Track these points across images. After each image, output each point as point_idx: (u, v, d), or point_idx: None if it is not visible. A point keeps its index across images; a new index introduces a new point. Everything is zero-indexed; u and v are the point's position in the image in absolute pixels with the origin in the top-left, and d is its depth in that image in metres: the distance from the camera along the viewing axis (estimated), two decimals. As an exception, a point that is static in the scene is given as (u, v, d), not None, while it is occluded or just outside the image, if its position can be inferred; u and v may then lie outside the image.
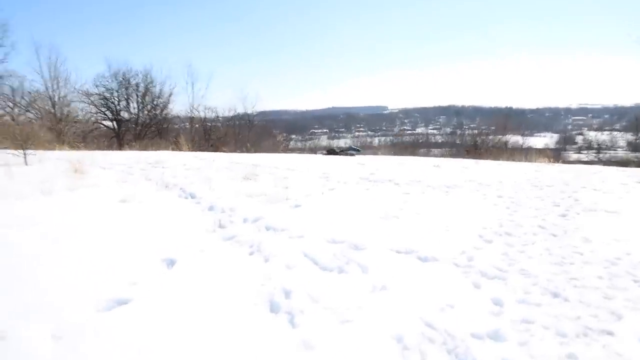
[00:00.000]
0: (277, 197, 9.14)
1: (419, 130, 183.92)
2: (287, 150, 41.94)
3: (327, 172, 13.80)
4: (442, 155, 38.62)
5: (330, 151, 28.51)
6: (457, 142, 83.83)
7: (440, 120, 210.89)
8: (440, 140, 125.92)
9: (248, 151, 29.60)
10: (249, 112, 47.62)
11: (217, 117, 45.27)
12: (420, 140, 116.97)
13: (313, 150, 47.75)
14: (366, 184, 11.57)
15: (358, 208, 8.58)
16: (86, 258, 5.49)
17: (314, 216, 7.82)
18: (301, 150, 52.78)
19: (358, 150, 28.02)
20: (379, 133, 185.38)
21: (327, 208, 8.45)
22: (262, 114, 51.56)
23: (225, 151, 29.60)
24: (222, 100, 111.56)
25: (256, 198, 9.06)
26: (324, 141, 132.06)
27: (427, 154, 46.89)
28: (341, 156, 24.48)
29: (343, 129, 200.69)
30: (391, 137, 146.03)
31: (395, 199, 9.58)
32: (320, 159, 20.65)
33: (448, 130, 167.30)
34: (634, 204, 9.35)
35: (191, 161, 16.02)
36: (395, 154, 35.52)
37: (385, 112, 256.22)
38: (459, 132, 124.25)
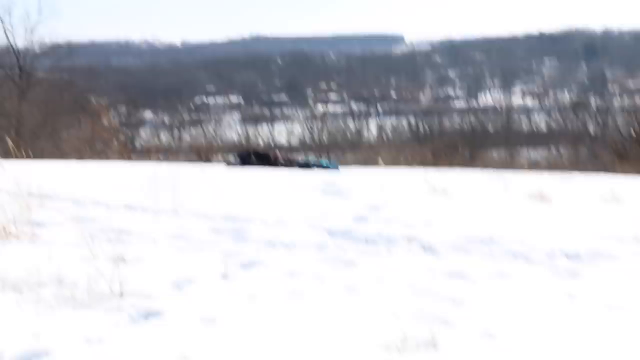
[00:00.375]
0: (92, 290, 4.38)
1: (484, 96, 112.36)
2: (128, 153, 30.19)
3: (240, 216, 7.52)
4: (550, 166, 27.48)
5: (254, 157, 16.02)
6: (589, 129, 51.30)
7: (543, 71, 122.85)
8: (543, 126, 74.06)
9: (18, 152, 18.11)
10: (20, 46, 36.63)
11: None
12: (489, 128, 58.97)
13: (203, 156, 28.85)
14: (346, 251, 5.88)
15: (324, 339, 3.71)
16: None
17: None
18: (171, 155, 35.26)
19: (332, 167, 16.01)
20: (380, 104, 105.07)
21: (231, 329, 3.86)
22: (58, 53, 39.85)
23: None
24: None
25: (30, 294, 4.34)
26: (232, 126, 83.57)
27: (507, 163, 27.25)
28: (283, 169, 14.35)
29: (284, 93, 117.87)
30: (411, 117, 77.76)
31: (424, 301, 4.46)
32: (224, 176, 12.37)
33: (564, 98, 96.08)
34: None
35: None
36: (421, 162, 21.14)
37: (398, 49, 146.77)
38: (595, 101, 76.16)
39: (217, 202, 8.45)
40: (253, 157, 15.72)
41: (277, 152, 18.67)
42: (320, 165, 15.93)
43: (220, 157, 24.89)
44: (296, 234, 6.50)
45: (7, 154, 11.46)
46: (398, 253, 5.90)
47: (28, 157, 12.60)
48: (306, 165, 15.75)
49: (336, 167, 15.96)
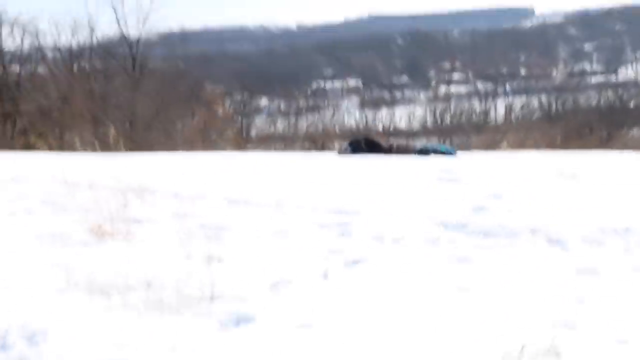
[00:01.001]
0: (181, 293, 4.34)
1: (625, 70, 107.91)
2: (241, 142, 31.97)
3: (346, 209, 7.33)
4: None
5: (365, 144, 15.82)
6: None
7: None
8: None
9: (126, 144, 17.96)
10: (133, 36, 37.09)
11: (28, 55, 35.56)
12: (630, 104, 54.66)
13: (319, 144, 29.70)
14: (461, 246, 5.65)
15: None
16: None
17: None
18: (286, 144, 34.32)
19: (450, 152, 15.53)
20: (508, 83, 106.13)
21: (328, 337, 3.66)
22: (171, 42, 42.72)
23: (59, 147, 20.97)
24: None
25: (118, 298, 4.29)
26: (350, 112, 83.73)
27: None
28: (397, 156, 14.14)
29: (405, 75, 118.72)
30: (542, 95, 75.89)
31: (548, 302, 4.17)
32: (334, 166, 12.05)
33: None
34: None
35: None
36: (551, 144, 21.33)
37: (528, 23, 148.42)
38: None
39: (324, 194, 8.30)
40: (364, 145, 15.47)
41: (392, 140, 18.36)
42: (438, 151, 15.50)
43: (337, 144, 24.73)
44: (407, 228, 6.26)
45: (108, 147, 11.80)
46: (520, 247, 5.56)
47: (135, 149, 12.93)
48: (424, 151, 15.35)
49: (454, 153, 15.53)
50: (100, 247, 5.62)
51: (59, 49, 36.98)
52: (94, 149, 18.05)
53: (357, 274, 4.84)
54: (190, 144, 24.08)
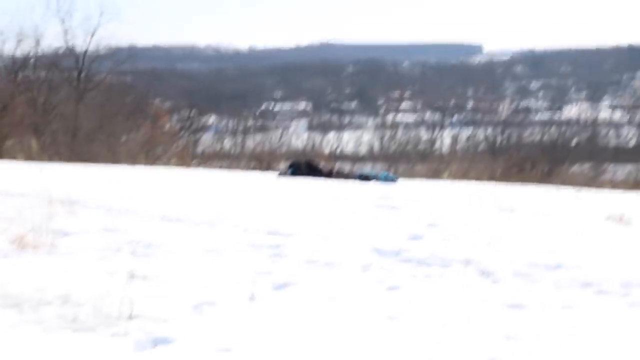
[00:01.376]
0: (99, 310, 4.16)
1: (568, 109, 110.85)
2: (187, 159, 31.09)
3: (281, 230, 7.24)
4: (636, 184, 26.24)
5: (306, 167, 15.69)
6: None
7: (634, 84, 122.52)
8: (632, 141, 73.85)
9: (74, 156, 18.07)
10: (80, 49, 37.38)
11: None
12: (572, 142, 57.54)
13: (264, 164, 29.37)
14: (393, 274, 5.55)
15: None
16: None
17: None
18: (232, 162, 34.41)
19: (391, 180, 15.66)
20: (455, 115, 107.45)
21: None
22: (119, 56, 40.38)
23: None
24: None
25: (30, 312, 4.09)
26: (298, 133, 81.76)
27: (588, 180, 28.05)
28: (338, 181, 14.01)
29: (355, 101, 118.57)
30: (488, 129, 77.47)
31: (474, 337, 4.04)
32: (272, 187, 11.97)
33: None
34: None
35: None
36: (492, 176, 22.28)
37: (476, 59, 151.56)
38: None
39: (260, 215, 8.16)
40: (305, 168, 15.33)
41: (337, 164, 18.39)
42: (379, 179, 15.47)
43: (282, 165, 24.57)
44: (340, 252, 6.15)
45: (32, 156, 11.52)
46: (451, 278, 5.49)
47: (76, 160, 12.63)
48: (365, 177, 15.29)
49: (395, 181, 15.54)
50: (20, 259, 5.39)
51: (1, 57, 36.30)
52: (30, 158, 17.72)
53: (285, 298, 4.71)
54: (133, 158, 23.69)
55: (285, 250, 6.18)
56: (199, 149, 49.89)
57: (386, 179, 15.65)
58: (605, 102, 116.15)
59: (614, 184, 25.08)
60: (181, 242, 6.40)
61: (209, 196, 9.70)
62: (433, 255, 6.09)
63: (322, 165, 16.59)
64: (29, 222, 6.11)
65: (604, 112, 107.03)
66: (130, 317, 4.04)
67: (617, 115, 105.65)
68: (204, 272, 5.34)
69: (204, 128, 63.54)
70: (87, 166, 16.37)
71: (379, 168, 33.35)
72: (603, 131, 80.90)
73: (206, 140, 59.29)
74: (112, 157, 23.97)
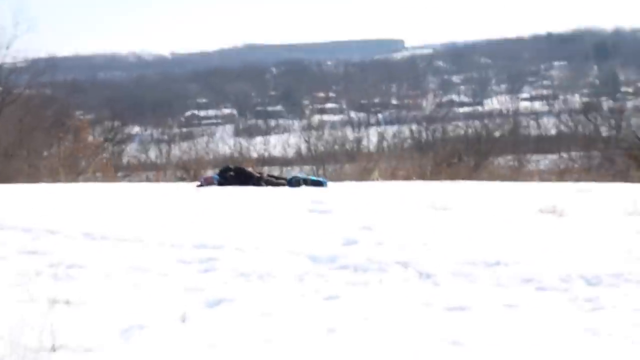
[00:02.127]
0: (17, 343, 3.79)
1: (491, 101, 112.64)
2: (112, 171, 30.60)
3: (211, 243, 6.87)
4: (562, 173, 27.04)
5: (235, 174, 15.07)
6: (602, 134, 51.27)
7: (552, 73, 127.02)
8: (553, 131, 73.78)
9: None
10: None
11: None
12: (496, 134, 56.77)
13: (191, 173, 29.27)
14: (330, 282, 5.38)
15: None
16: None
17: None
18: (159, 172, 33.79)
19: (319, 182, 15.33)
20: (381, 112, 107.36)
21: None
22: (38, 68, 39.88)
23: None
24: None
25: None
26: (225, 141, 76.30)
27: (515, 172, 29.49)
28: (267, 187, 13.91)
29: (280, 104, 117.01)
30: (413, 125, 76.44)
31: (419, 344, 3.89)
32: (199, 198, 11.46)
33: (575, 101, 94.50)
34: None
35: None
36: (422, 174, 21.92)
37: (399, 54, 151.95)
38: (608, 104, 77.49)
39: (188, 228, 7.87)
40: (232, 175, 14.94)
41: (264, 169, 18.08)
42: (309, 181, 15.27)
43: (210, 173, 24.07)
44: (274, 263, 5.93)
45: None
46: (391, 283, 5.33)
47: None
48: (295, 182, 15.04)
49: (325, 183, 15.36)
50: None
51: None
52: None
53: (219, 316, 4.48)
54: (55, 174, 22.99)
55: (216, 264, 5.93)
56: (124, 160, 49.04)
57: (316, 182, 15.46)
58: (525, 93, 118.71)
59: (542, 175, 25.49)
60: (106, 261, 6.09)
61: (134, 210, 9.35)
62: (369, 259, 5.92)
63: (253, 170, 16.24)
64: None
65: (525, 103, 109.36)
66: (53, 349, 3.77)
67: (537, 105, 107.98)
68: (132, 292, 5.06)
69: (128, 138, 62.47)
70: (4, 185, 15.77)
71: (307, 170, 33.24)
72: (524, 122, 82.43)
73: (131, 150, 58.37)
74: (33, 173, 23.23)
